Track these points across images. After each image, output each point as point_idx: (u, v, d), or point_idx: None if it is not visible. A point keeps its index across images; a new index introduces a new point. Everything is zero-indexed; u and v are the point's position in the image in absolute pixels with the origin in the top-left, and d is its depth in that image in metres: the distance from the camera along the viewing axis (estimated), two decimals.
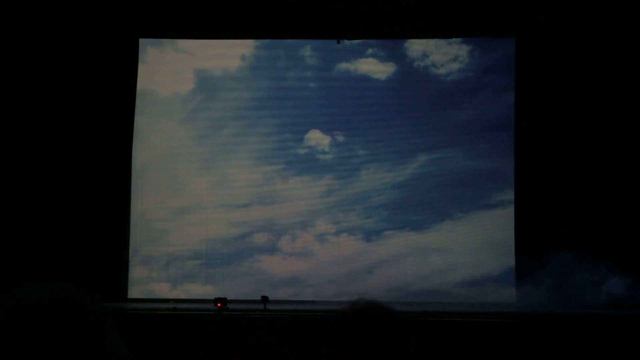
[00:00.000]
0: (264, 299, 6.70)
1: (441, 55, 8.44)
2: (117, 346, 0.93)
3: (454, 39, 8.42)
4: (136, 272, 8.31)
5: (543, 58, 8.02)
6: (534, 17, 7.98)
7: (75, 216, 7.85)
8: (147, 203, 8.41)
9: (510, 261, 7.96)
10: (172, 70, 8.60)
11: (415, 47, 8.49)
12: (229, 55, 8.62)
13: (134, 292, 8.24)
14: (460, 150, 8.30)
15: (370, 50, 8.52)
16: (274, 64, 8.66)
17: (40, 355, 0.85)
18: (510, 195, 8.14)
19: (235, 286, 8.05)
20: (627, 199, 7.63)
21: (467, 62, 8.40)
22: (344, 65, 8.53)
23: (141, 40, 8.56)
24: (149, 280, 8.33)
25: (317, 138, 8.49)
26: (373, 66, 8.50)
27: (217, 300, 6.58)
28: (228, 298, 6.68)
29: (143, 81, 8.54)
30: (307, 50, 8.59)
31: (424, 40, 8.46)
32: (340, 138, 8.49)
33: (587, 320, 6.14)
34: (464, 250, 8.10)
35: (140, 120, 8.48)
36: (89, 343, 0.89)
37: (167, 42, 8.67)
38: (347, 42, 8.47)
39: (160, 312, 6.61)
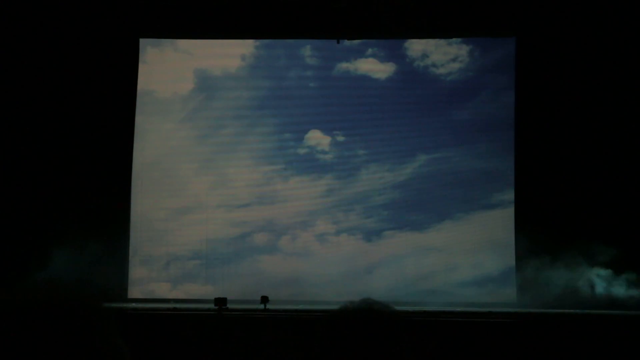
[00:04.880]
0: (264, 299, 6.70)
1: (441, 55, 8.44)
2: (118, 346, 0.93)
3: (454, 39, 8.42)
4: (136, 272, 8.31)
5: (543, 58, 8.02)
6: (534, 17, 7.98)
7: (76, 216, 7.85)
8: (147, 203, 8.40)
9: (510, 261, 7.96)
10: (172, 70, 8.60)
11: (415, 47, 8.49)
12: (229, 55, 8.62)
13: (134, 292, 8.24)
14: (460, 150, 8.29)
15: (370, 50, 8.52)
16: (274, 64, 8.67)
17: (42, 355, 0.85)
18: (510, 195, 8.14)
19: (235, 286, 8.04)
20: (627, 199, 7.63)
21: (467, 62, 8.40)
22: (344, 65, 8.53)
23: (141, 40, 8.56)
24: (149, 280, 8.33)
25: (317, 138, 8.49)
26: (373, 66, 8.50)
27: (217, 300, 6.58)
28: (228, 298, 6.68)
29: (143, 81, 8.54)
30: (307, 50, 8.59)
31: (424, 40, 8.46)
32: (340, 138, 8.49)
33: (587, 320, 6.15)
34: (464, 250, 8.10)
35: (141, 120, 8.48)
36: (91, 343, 0.89)
37: (167, 42, 8.67)
38: (347, 42, 8.47)
39: (160, 312, 6.61)
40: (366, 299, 1.42)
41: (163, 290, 8.28)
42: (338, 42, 8.43)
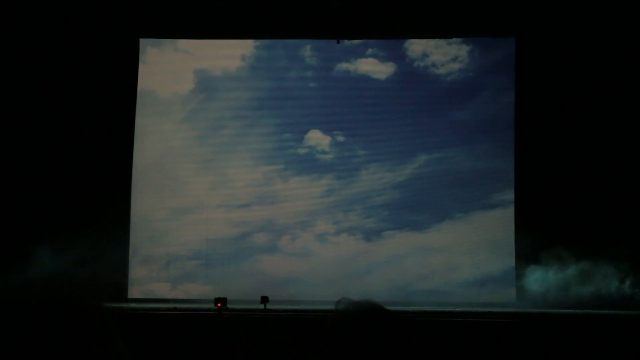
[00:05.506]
0: (264, 299, 6.70)
1: (441, 55, 8.44)
2: (118, 346, 0.93)
3: (454, 39, 8.42)
4: (136, 272, 8.31)
5: (543, 58, 8.02)
6: (534, 17, 7.98)
7: (76, 216, 7.84)
8: (147, 203, 8.41)
9: (510, 261, 7.96)
10: (172, 70, 8.60)
11: (415, 47, 8.49)
12: (229, 55, 8.62)
13: (134, 292, 8.24)
14: (460, 150, 8.30)
15: (370, 50, 8.52)
16: (274, 64, 8.67)
17: (42, 355, 0.85)
18: (510, 195, 8.14)
19: (235, 286, 8.04)
20: (627, 199, 7.63)
21: (467, 62, 8.40)
22: (344, 65, 8.54)
23: (141, 40, 8.56)
24: (149, 280, 8.33)
25: (317, 138, 8.49)
26: (373, 66, 8.51)
27: (217, 300, 6.58)
28: (228, 298, 6.69)
29: (143, 81, 8.54)
30: (307, 50, 8.59)
31: (424, 40, 8.46)
32: (340, 138, 8.49)
33: (587, 320, 6.15)
34: (464, 250, 8.10)
35: (141, 121, 8.48)
36: (90, 343, 0.89)
37: (167, 42, 8.67)
38: (347, 42, 8.47)
39: (160, 312, 6.61)
40: (344, 298, 1.42)
41: (163, 290, 8.28)
42: (338, 42, 8.43)
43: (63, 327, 0.88)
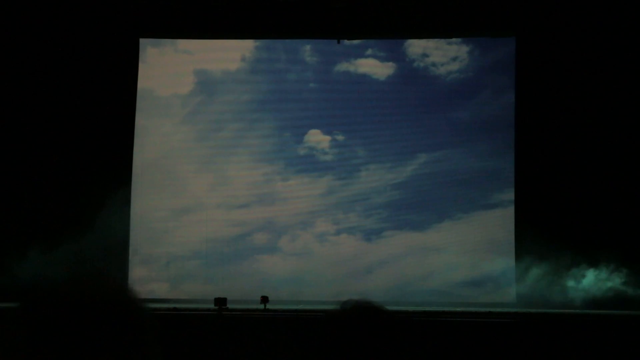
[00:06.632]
0: (264, 299, 6.70)
1: (441, 55, 8.44)
2: (156, 351, 0.92)
3: (454, 39, 8.42)
4: (136, 272, 8.31)
5: (543, 58, 8.02)
6: (534, 16, 7.99)
7: (76, 216, 7.84)
8: (147, 203, 8.40)
9: (510, 261, 7.96)
10: (172, 70, 8.60)
11: (415, 47, 8.49)
12: (229, 55, 8.62)
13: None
14: (460, 150, 8.29)
15: (370, 50, 8.52)
16: (274, 64, 8.66)
17: (84, 354, 0.84)
18: (510, 195, 8.14)
19: (235, 286, 8.04)
20: (627, 199, 7.62)
21: (467, 62, 8.40)
22: (344, 65, 8.54)
23: (141, 40, 8.56)
24: (149, 280, 8.33)
25: (317, 138, 8.49)
26: (373, 66, 8.51)
27: (217, 300, 6.58)
28: (228, 298, 6.68)
29: (143, 81, 8.54)
30: (307, 50, 8.59)
31: (424, 40, 8.46)
32: (340, 138, 8.49)
33: (587, 320, 6.15)
34: (464, 250, 8.10)
35: (141, 120, 8.48)
36: (134, 345, 0.88)
37: (167, 42, 8.67)
38: (347, 42, 8.47)
39: (160, 312, 6.61)
40: (357, 300, 1.42)
41: (163, 290, 8.28)
42: (338, 42, 8.43)
43: (110, 328, 0.87)
